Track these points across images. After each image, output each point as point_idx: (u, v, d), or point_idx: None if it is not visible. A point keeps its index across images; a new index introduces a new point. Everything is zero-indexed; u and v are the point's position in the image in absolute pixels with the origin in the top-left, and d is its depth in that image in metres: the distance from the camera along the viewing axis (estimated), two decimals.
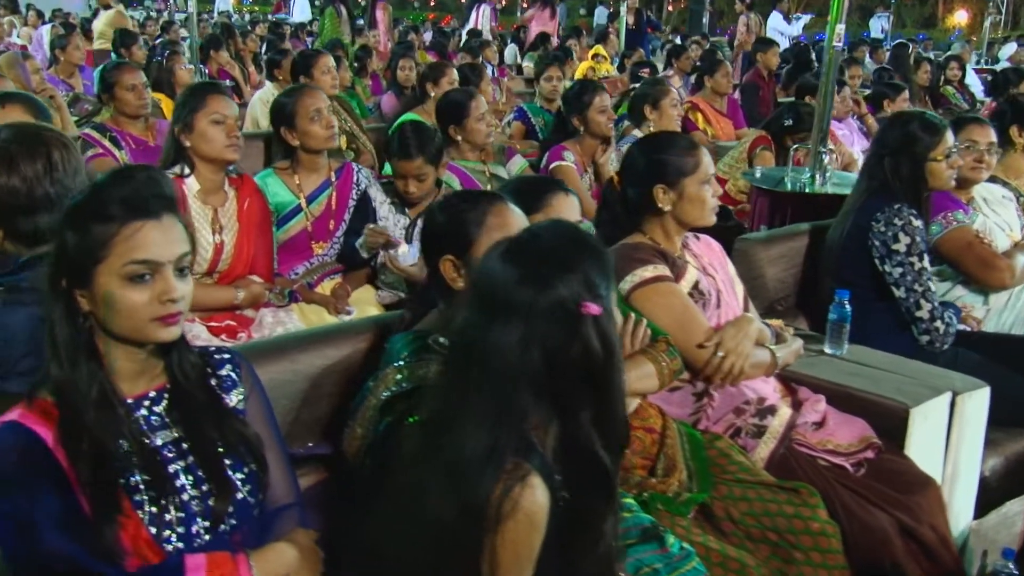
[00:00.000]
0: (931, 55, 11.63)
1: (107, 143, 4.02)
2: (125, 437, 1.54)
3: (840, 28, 3.66)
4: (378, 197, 3.34)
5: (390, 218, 3.31)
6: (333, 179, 3.39)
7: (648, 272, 2.31)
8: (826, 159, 3.89)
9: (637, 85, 6.33)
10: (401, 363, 1.76)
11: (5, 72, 4.73)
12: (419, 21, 21.09)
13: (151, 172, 1.62)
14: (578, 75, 7.93)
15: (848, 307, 2.68)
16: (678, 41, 12.25)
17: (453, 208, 1.90)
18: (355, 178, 3.45)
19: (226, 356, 1.75)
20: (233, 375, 1.73)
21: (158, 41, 9.21)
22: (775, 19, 13.26)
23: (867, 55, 10.77)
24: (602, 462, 1.31)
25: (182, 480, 1.59)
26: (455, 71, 5.46)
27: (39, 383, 1.53)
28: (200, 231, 2.93)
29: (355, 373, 2.11)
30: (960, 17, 23.55)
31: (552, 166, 4.12)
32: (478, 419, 1.26)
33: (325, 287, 3.32)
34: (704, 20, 17.02)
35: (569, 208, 2.21)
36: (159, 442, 1.59)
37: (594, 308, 1.29)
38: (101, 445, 1.50)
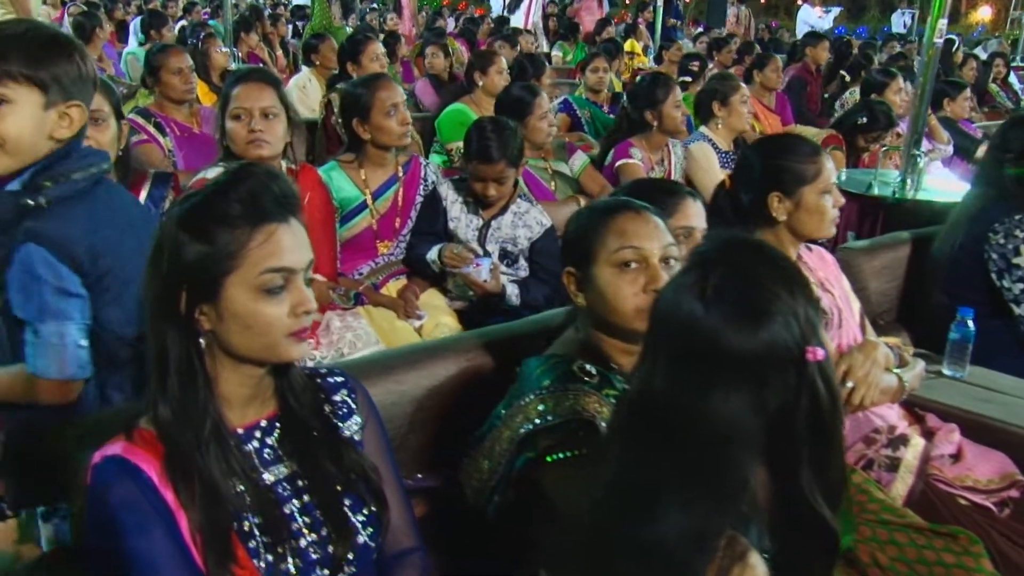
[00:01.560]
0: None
1: (152, 129, 3.84)
2: (237, 475, 1.35)
3: (942, 23, 3.42)
4: (449, 195, 3.12)
5: (462, 218, 3.10)
6: (400, 174, 3.18)
7: None
8: (921, 163, 3.67)
9: (687, 79, 6.14)
10: (543, 392, 1.55)
11: None
12: (435, 8, 20.79)
13: (270, 169, 1.42)
14: None
15: (971, 326, 2.48)
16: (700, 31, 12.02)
17: (585, 215, 1.72)
18: (423, 173, 3.25)
19: (339, 380, 1.56)
20: (349, 401, 1.55)
21: (181, 23, 9.00)
22: (806, 12, 13.04)
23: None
24: (826, 522, 1.11)
25: (298, 522, 1.40)
26: (503, 59, 5.23)
27: (138, 412, 1.35)
28: None
29: (462, 395, 1.92)
30: (984, 13, 23.22)
31: (619, 163, 3.92)
32: (686, 493, 1.06)
33: (391, 288, 3.13)
34: (726, 12, 16.76)
35: (698, 214, 2.01)
36: (270, 479, 1.41)
37: (820, 352, 1.09)
38: (214, 486, 1.31)
